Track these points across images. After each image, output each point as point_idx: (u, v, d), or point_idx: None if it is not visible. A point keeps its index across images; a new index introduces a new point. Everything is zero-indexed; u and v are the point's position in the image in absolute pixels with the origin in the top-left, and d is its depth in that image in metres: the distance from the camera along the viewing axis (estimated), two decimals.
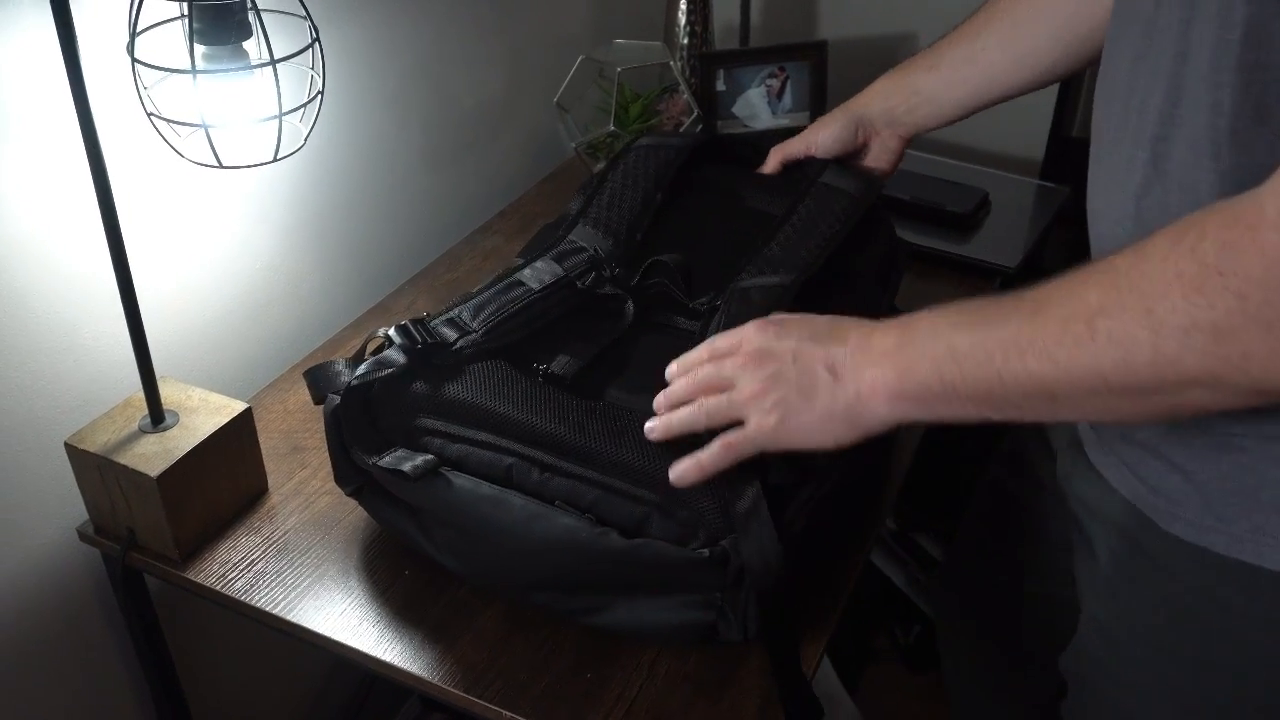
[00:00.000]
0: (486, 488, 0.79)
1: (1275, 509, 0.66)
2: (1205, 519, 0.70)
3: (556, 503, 0.78)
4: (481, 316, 0.85)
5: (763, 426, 0.71)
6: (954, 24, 1.03)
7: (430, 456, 0.80)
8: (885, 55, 1.67)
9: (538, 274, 0.89)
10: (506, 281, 0.89)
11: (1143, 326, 0.56)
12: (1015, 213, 1.40)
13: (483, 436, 0.81)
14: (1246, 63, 0.58)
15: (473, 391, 0.81)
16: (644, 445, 0.77)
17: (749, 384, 0.72)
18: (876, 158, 1.07)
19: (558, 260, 0.91)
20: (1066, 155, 1.57)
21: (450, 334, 0.84)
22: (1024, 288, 0.63)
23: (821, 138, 1.05)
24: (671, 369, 0.78)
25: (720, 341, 0.76)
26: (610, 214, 0.97)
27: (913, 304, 1.17)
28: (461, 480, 0.79)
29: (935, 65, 1.02)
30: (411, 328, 0.84)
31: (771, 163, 1.09)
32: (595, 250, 0.93)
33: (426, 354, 0.83)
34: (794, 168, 1.07)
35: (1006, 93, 1.01)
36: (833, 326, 0.73)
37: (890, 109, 1.05)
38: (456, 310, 0.86)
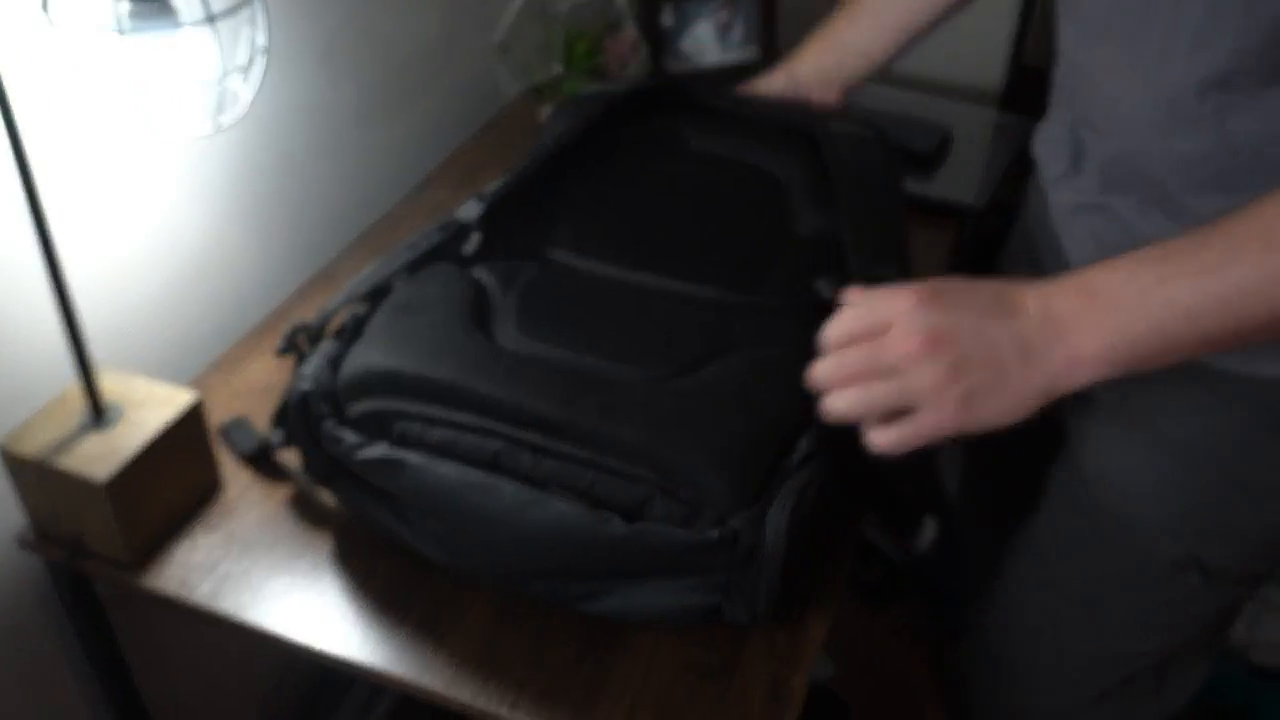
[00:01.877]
0: (475, 474, 0.73)
1: None
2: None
3: (551, 487, 0.73)
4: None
5: (952, 419, 0.63)
6: None
7: (412, 453, 0.74)
8: None
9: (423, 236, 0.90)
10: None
11: None
12: (977, 148, 1.36)
13: (465, 418, 0.75)
14: None
15: (450, 369, 0.76)
16: (638, 420, 0.73)
17: (928, 375, 0.62)
18: None
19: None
20: (1024, 84, 1.54)
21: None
22: (1210, 228, 0.60)
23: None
24: (827, 335, 0.67)
25: (867, 316, 0.65)
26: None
27: None
28: (447, 468, 0.74)
29: (856, 16, 1.04)
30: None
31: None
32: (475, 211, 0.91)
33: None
34: (765, 118, 1.03)
35: (933, 20, 1.02)
36: (1001, 295, 0.64)
37: (822, 67, 1.05)
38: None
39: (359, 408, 0.77)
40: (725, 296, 0.86)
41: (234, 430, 0.92)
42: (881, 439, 0.64)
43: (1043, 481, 1.00)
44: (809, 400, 0.69)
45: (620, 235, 0.91)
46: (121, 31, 0.72)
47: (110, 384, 0.84)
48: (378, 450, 0.75)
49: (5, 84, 0.68)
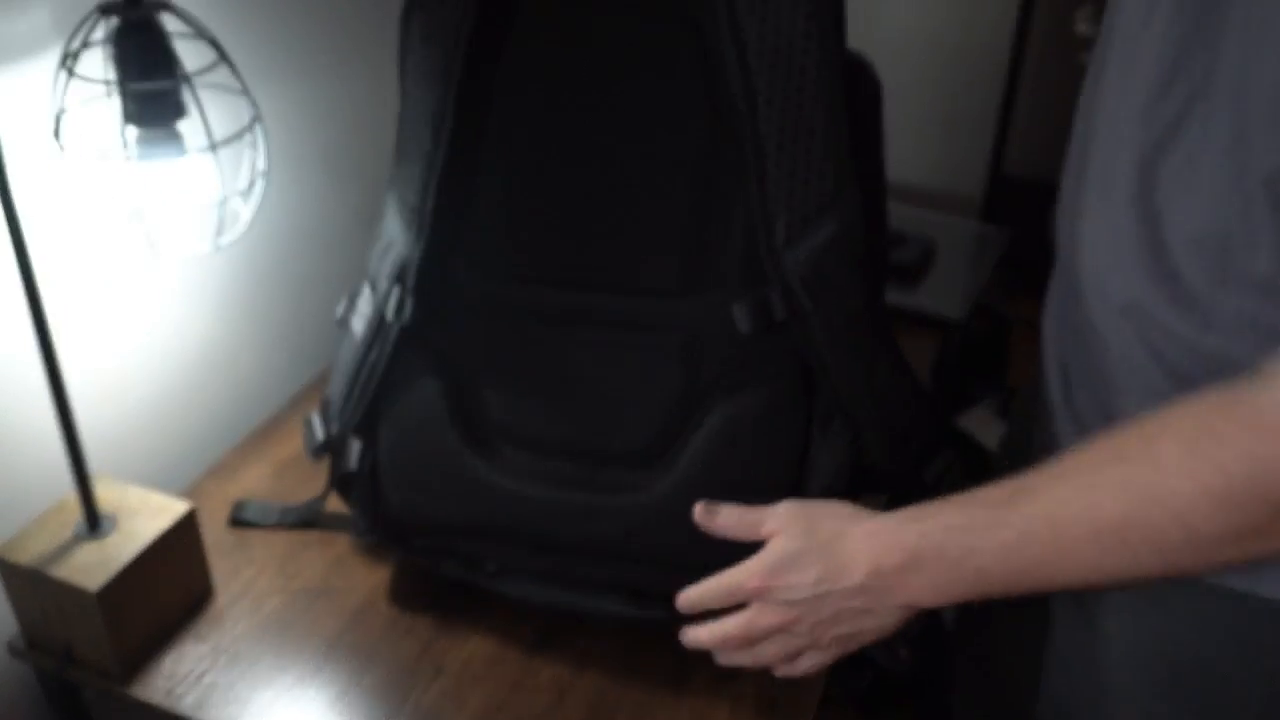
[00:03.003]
0: (534, 592, 0.85)
1: None
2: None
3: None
4: (335, 395, 0.89)
5: (835, 655, 0.72)
6: None
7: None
8: None
9: (360, 311, 0.87)
10: (342, 329, 0.90)
11: (1178, 531, 0.57)
12: (959, 259, 1.40)
13: (507, 552, 0.85)
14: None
15: (476, 512, 0.83)
16: (644, 536, 0.81)
17: (796, 640, 0.71)
18: None
19: (372, 283, 0.86)
20: (1004, 193, 1.58)
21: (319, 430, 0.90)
22: (1021, 484, 0.64)
23: None
24: (687, 597, 0.75)
25: (723, 597, 0.73)
26: (403, 170, 0.83)
27: None
28: (510, 588, 0.86)
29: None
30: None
31: None
32: (399, 250, 0.83)
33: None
34: None
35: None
36: (832, 563, 0.70)
37: None
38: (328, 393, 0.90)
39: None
40: (679, 312, 0.80)
41: (249, 509, 0.98)
42: (787, 673, 0.74)
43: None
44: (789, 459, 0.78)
45: (553, 246, 0.82)
46: (128, 158, 0.76)
47: (106, 493, 0.85)
48: (449, 568, 0.87)
49: (15, 203, 0.71)
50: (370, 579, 0.92)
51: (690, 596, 0.74)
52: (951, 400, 1.63)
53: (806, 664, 0.73)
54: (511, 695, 0.82)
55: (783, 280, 0.77)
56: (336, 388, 0.89)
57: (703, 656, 0.75)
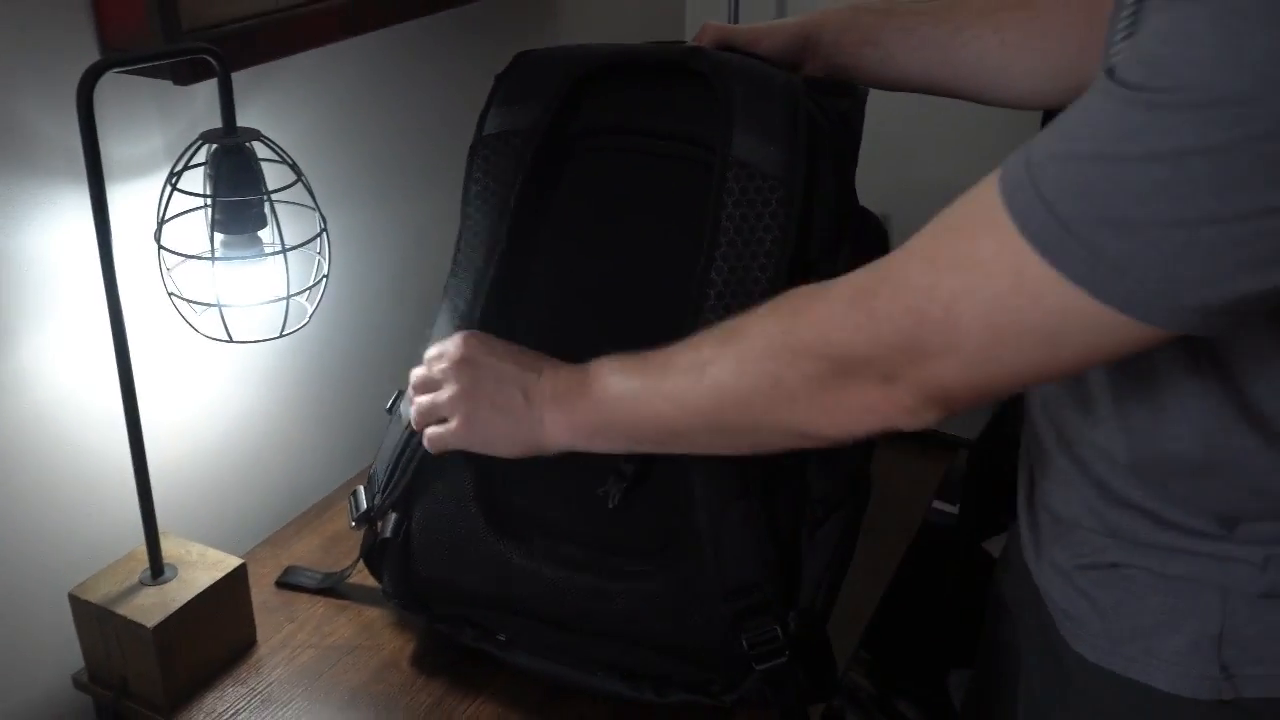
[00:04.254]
0: (540, 665, 0.95)
1: (1158, 632, 0.73)
2: (1102, 640, 0.77)
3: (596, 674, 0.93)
4: (379, 472, 0.97)
5: (462, 430, 0.86)
6: None
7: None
8: None
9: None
10: (390, 415, 0.99)
11: (730, 368, 0.72)
12: None
13: (518, 622, 0.94)
14: None
15: (494, 584, 0.92)
16: (649, 626, 0.88)
17: (447, 390, 0.86)
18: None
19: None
20: None
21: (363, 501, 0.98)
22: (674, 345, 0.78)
23: (766, 46, 0.98)
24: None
25: (434, 349, 0.89)
26: (457, 281, 0.95)
27: (885, 478, 1.25)
28: (519, 659, 0.96)
29: (907, 30, 0.96)
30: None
31: (707, 36, 0.99)
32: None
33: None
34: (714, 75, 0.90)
35: (960, 94, 0.97)
36: (532, 355, 0.85)
37: (839, 42, 0.98)
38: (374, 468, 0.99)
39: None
40: None
41: (295, 574, 1.07)
42: (426, 439, 0.88)
43: None
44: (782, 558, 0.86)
45: (571, 355, 0.88)
46: (214, 259, 0.90)
47: (170, 547, 0.98)
48: (466, 636, 0.97)
49: (119, 293, 0.86)
50: (394, 641, 1.02)
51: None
52: (978, 523, 1.69)
53: (436, 434, 0.88)
54: None
55: None
56: (381, 465, 1.00)
57: None
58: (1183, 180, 0.52)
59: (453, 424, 0.86)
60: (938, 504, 1.59)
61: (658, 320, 0.86)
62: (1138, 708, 0.76)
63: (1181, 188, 0.52)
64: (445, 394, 0.86)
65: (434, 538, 0.94)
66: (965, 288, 0.60)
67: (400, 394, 1.01)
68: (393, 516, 0.96)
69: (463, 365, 0.85)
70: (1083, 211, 0.55)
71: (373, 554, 0.99)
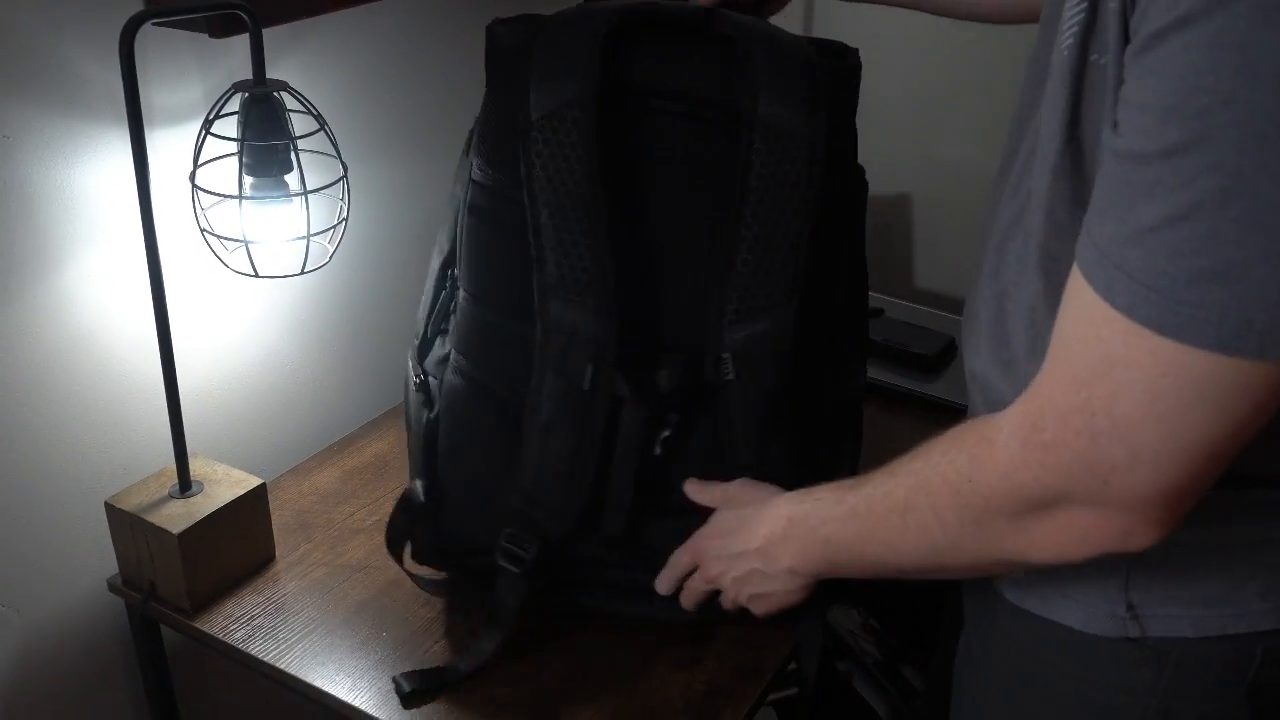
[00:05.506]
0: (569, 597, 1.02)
1: (1069, 573, 0.77)
2: (1022, 582, 0.81)
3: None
4: (541, 506, 0.94)
5: (750, 601, 0.92)
6: None
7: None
8: None
9: (549, 400, 0.90)
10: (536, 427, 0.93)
11: (932, 518, 0.73)
12: None
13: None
14: (1050, 252, 0.71)
15: None
16: None
17: (726, 586, 0.92)
18: None
19: (557, 368, 0.90)
20: None
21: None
22: (867, 474, 0.80)
23: None
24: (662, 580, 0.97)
25: (679, 566, 0.95)
26: (569, 263, 0.88)
27: (881, 438, 1.30)
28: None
29: None
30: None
31: None
32: (585, 335, 0.89)
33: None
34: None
35: (936, 10, 1.12)
36: (747, 529, 0.88)
37: None
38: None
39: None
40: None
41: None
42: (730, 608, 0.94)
43: None
44: None
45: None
46: (242, 199, 0.98)
47: (198, 466, 1.06)
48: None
49: (155, 229, 0.94)
50: None
51: (663, 576, 0.96)
52: None
53: (731, 606, 0.93)
54: (503, 660, 0.98)
55: (717, 348, 0.90)
56: (549, 471, 0.94)
57: (667, 645, 0.93)
58: (1262, 207, 0.53)
59: (737, 606, 0.93)
60: None
61: (690, 281, 0.91)
62: (1053, 646, 0.80)
63: (1263, 216, 0.53)
64: (726, 589, 0.92)
65: (464, 497, 0.99)
66: (1116, 390, 0.60)
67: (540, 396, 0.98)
68: (419, 483, 0.99)
69: (721, 575, 0.91)
70: (1181, 278, 0.56)
71: (399, 523, 0.99)
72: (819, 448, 1.00)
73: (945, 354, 1.49)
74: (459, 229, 0.98)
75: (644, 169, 0.91)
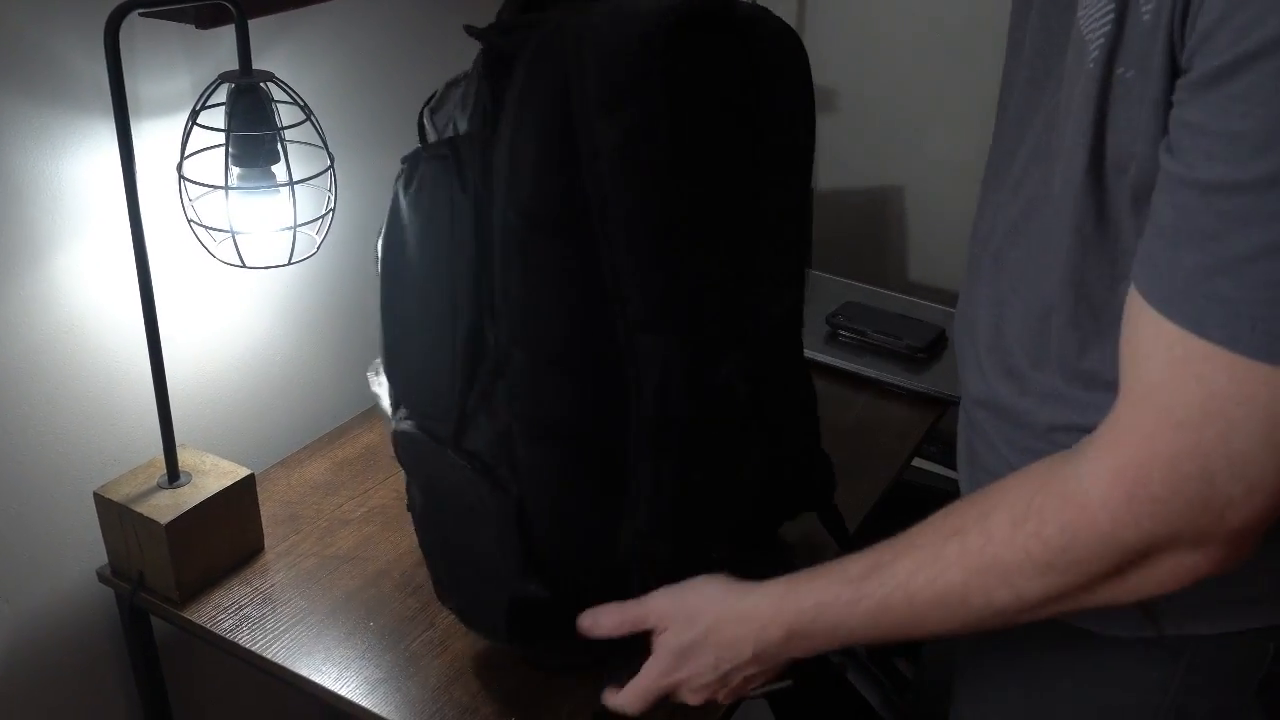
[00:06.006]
0: None
1: None
2: None
3: None
4: (664, 538, 0.90)
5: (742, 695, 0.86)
6: None
7: None
8: None
9: (667, 432, 0.87)
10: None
11: (1008, 592, 0.68)
12: None
13: None
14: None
15: None
16: None
17: (703, 695, 0.85)
18: None
19: (668, 395, 0.86)
20: None
21: None
22: (879, 558, 0.74)
23: None
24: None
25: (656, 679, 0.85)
26: (656, 293, 0.83)
27: (873, 428, 1.30)
28: None
29: None
30: None
31: None
32: (682, 354, 0.86)
33: None
34: None
35: None
36: (727, 646, 0.81)
37: None
38: None
39: None
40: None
41: None
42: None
43: None
44: None
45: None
46: (229, 190, 0.98)
47: (186, 457, 1.06)
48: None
49: (142, 219, 0.94)
50: (389, 554, 1.10)
51: (618, 702, 0.86)
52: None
53: (724, 698, 0.85)
54: (485, 648, 0.99)
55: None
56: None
57: None
58: None
59: (730, 697, 0.86)
60: (941, 469, 1.64)
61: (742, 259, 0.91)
62: (1065, 646, 0.80)
63: None
64: (705, 695, 0.85)
65: (580, 571, 0.91)
66: (1230, 428, 0.58)
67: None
68: (532, 584, 0.89)
69: (700, 687, 0.84)
70: None
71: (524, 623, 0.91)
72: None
73: (936, 345, 1.50)
74: (492, 279, 0.83)
75: (705, 180, 0.86)
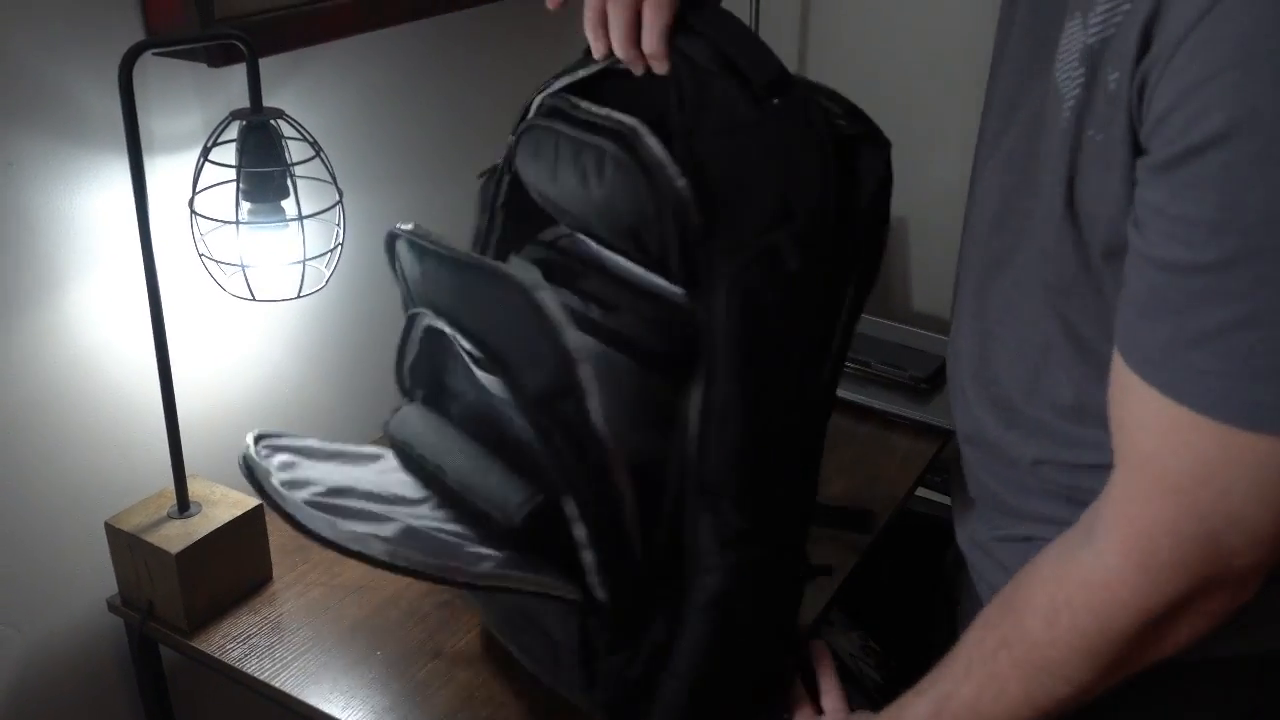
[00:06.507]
0: None
1: None
2: None
3: None
4: None
5: None
6: None
7: None
8: None
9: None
10: None
11: (1068, 688, 0.70)
12: None
13: None
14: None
15: None
16: None
17: None
18: None
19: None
20: None
21: None
22: (938, 689, 0.76)
23: None
24: None
25: None
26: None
27: (877, 458, 1.31)
28: None
29: None
30: None
31: None
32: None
33: None
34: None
35: None
36: None
37: None
38: None
39: None
40: None
41: None
42: None
43: None
44: None
45: None
46: (240, 225, 1.00)
47: (196, 487, 1.08)
48: None
49: (154, 253, 0.96)
50: (396, 584, 1.11)
51: None
52: None
53: None
54: (491, 678, 0.99)
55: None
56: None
57: None
58: None
59: None
60: (945, 499, 1.65)
61: None
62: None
63: None
64: None
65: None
66: (1224, 490, 0.61)
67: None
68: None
69: None
70: (1261, 375, 0.57)
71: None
72: None
73: (939, 375, 1.51)
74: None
75: None
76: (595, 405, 0.76)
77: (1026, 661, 0.71)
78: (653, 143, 0.79)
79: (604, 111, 0.83)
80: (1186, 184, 0.57)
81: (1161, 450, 0.62)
